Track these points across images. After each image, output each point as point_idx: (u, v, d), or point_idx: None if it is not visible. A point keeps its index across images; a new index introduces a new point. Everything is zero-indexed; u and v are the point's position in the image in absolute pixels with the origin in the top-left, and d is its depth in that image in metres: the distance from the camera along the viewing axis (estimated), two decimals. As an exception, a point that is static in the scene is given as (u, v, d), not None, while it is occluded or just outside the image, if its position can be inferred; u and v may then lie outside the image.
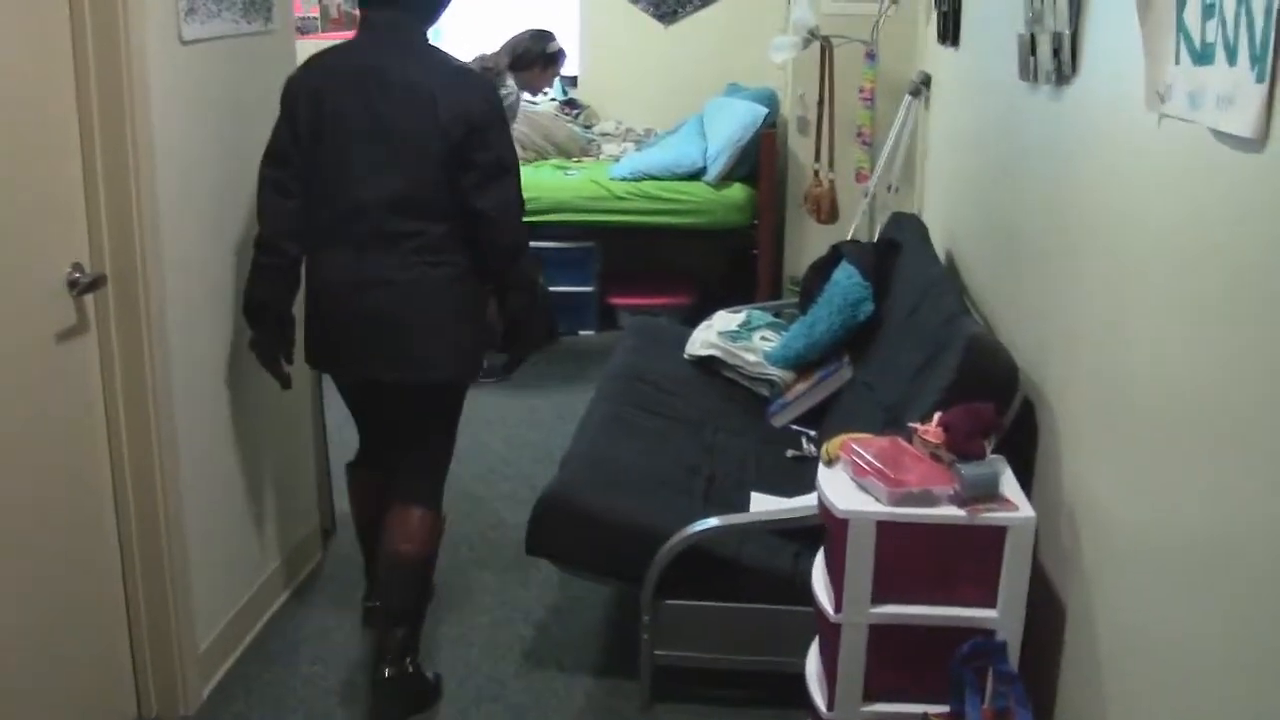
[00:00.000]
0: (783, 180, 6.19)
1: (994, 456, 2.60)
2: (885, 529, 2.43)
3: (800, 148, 6.02)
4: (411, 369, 3.01)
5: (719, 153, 6.04)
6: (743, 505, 3.26)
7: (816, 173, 5.78)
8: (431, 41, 3.11)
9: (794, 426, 3.98)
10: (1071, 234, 2.60)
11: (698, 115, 6.57)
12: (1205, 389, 1.81)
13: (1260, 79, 1.55)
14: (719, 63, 6.93)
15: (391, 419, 3.21)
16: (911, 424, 2.65)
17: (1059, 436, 2.65)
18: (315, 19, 7.30)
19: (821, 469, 2.66)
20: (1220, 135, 1.71)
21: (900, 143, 5.30)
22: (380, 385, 3.08)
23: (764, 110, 6.11)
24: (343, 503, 3.67)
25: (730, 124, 6.10)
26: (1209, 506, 1.79)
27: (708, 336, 4.36)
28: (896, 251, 4.22)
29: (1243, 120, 1.60)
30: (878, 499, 2.46)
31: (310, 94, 2.96)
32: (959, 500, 2.44)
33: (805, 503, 2.95)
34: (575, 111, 7.23)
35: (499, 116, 2.99)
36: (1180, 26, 1.86)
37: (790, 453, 3.77)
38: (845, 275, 4.13)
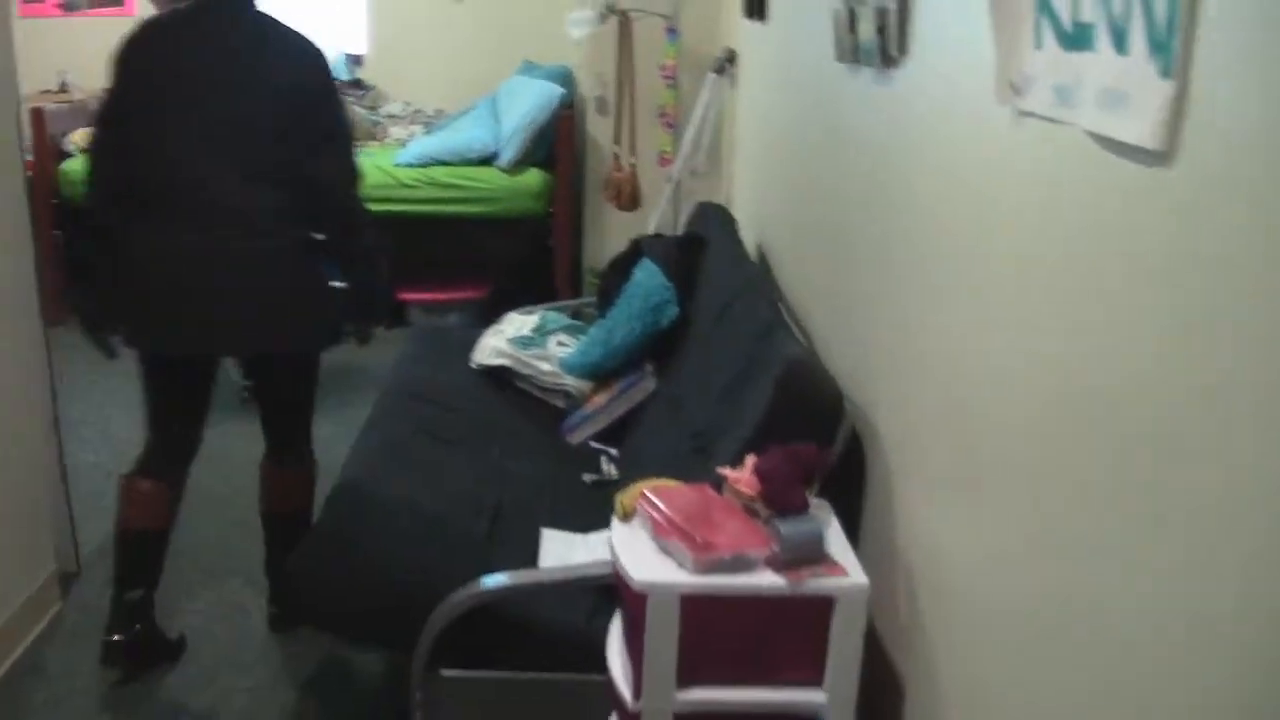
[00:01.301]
0: (581, 165, 5.78)
1: (817, 502, 2.23)
2: (691, 602, 2.03)
3: (599, 130, 5.61)
4: (255, 340, 3.03)
5: (512, 135, 5.61)
6: (533, 545, 2.84)
7: (617, 157, 5.40)
8: (260, 8, 2.98)
9: (593, 444, 3.57)
10: (905, 239, 2.23)
11: (491, 96, 6.12)
12: (1062, 425, 1.46)
13: (1165, 73, 1.17)
14: (513, 39, 6.48)
15: (202, 406, 3.19)
16: (721, 469, 2.25)
17: (892, 475, 2.29)
18: (81, -6, 6.72)
19: (615, 526, 2.24)
20: (1104, 141, 1.34)
21: (705, 124, 4.93)
22: (213, 360, 3.14)
23: (560, 90, 5.69)
24: (92, 533, 3.50)
25: (524, 105, 5.67)
26: (1068, 561, 1.45)
27: (497, 344, 3.92)
28: (702, 247, 3.84)
29: (1140, 126, 1.22)
30: (682, 565, 2.06)
31: (140, 60, 2.92)
32: (778, 564, 2.05)
33: (599, 552, 2.54)
34: (361, 92, 6.68)
35: (331, 84, 3.01)
36: (1042, 2, 1.49)
37: (588, 477, 3.36)
38: (646, 275, 3.73)
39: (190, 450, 3.20)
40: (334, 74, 2.98)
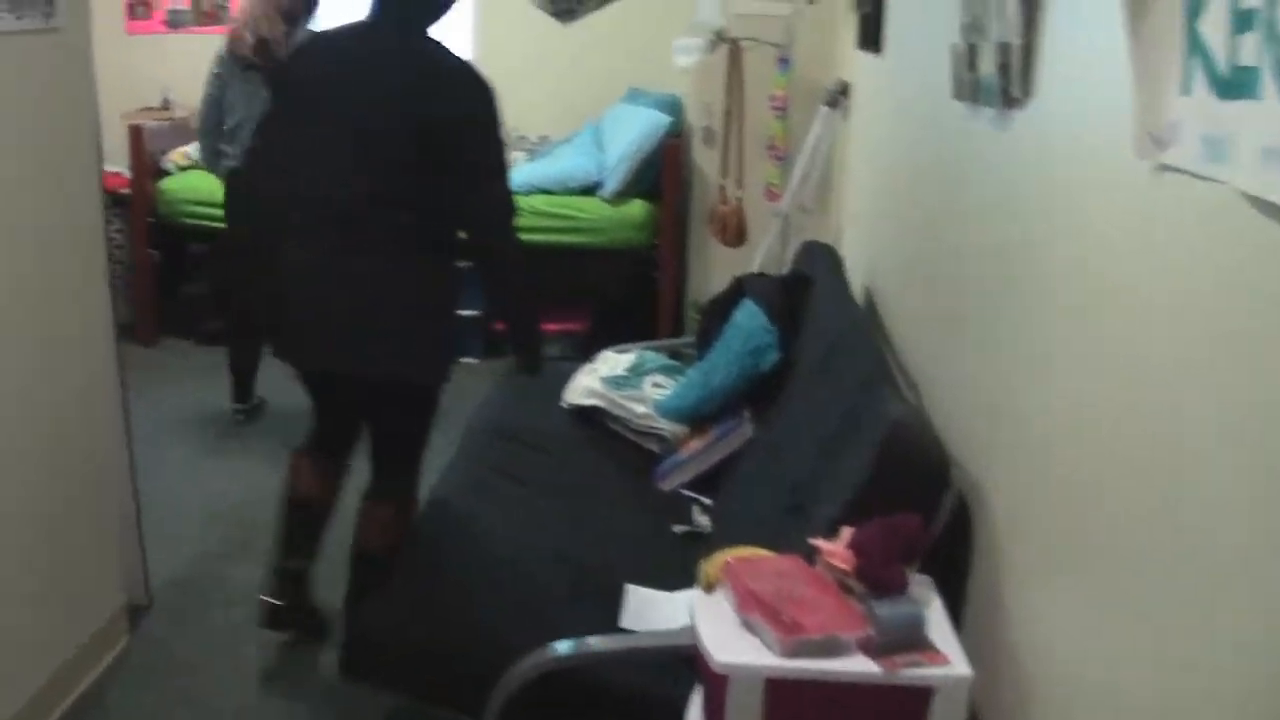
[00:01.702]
0: (686, 197, 5.62)
1: (918, 579, 2.05)
2: (777, 687, 1.86)
3: (706, 161, 5.46)
4: (365, 363, 2.94)
5: (617, 165, 5.48)
6: (615, 602, 2.69)
7: (723, 189, 5.23)
8: (431, 35, 2.95)
9: (685, 491, 3.41)
10: (1021, 294, 2.05)
11: (595, 123, 5.99)
12: (1201, 512, 1.27)
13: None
14: (620, 66, 6.33)
15: (351, 412, 3.18)
16: (815, 541, 2.07)
17: (1001, 551, 2.09)
18: (187, 11, 6.77)
19: (698, 596, 2.08)
20: (1265, 205, 1.15)
21: (816, 159, 4.75)
22: (342, 378, 3.03)
23: (667, 119, 5.55)
24: (164, 564, 3.45)
25: (630, 133, 5.54)
26: (1199, 668, 1.26)
27: (590, 383, 3.78)
28: (807, 288, 3.67)
29: (1313, 190, 1.04)
30: (768, 646, 1.89)
31: (299, 72, 2.98)
32: (872, 649, 1.87)
33: (685, 615, 2.38)
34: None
35: (492, 119, 2.91)
36: (1193, 41, 1.30)
37: (679, 528, 3.20)
38: (748, 316, 3.57)
39: (348, 443, 3.24)
40: (497, 110, 2.90)
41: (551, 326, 5.71)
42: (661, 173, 5.49)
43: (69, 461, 2.93)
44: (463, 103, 2.85)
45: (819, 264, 3.80)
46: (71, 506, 2.94)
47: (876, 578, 1.94)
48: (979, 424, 2.31)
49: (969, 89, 2.43)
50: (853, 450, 2.45)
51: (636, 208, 5.51)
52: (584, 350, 5.13)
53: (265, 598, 3.19)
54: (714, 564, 2.08)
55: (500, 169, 2.94)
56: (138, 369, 5.41)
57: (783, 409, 3.29)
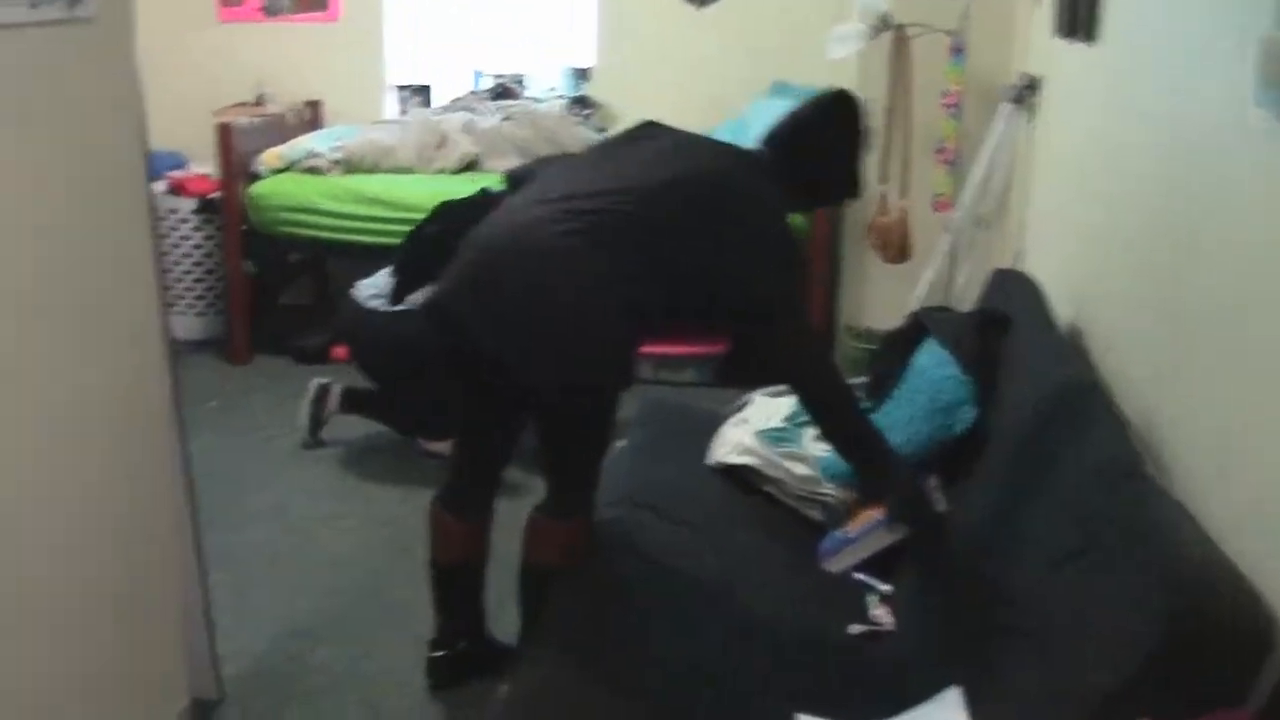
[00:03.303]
0: (838, 207, 5.00)
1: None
2: None
3: (864, 166, 4.83)
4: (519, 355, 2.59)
5: (763, 168, 4.88)
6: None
7: (884, 198, 4.62)
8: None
9: (857, 575, 2.81)
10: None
11: (736, 119, 5.39)
12: None
13: None
14: (764, 56, 5.71)
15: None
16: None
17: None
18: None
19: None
20: None
21: (996, 164, 4.11)
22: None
23: (820, 117, 4.93)
24: (238, 643, 3.08)
25: (776, 133, 4.94)
26: None
27: (742, 438, 3.19)
28: (1003, 330, 3.04)
29: None
30: None
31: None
32: None
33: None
34: (586, 111, 6.06)
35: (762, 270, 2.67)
36: None
37: (854, 629, 2.60)
38: (934, 362, 2.97)
39: (491, 478, 2.97)
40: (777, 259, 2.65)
41: (689, 349, 5.14)
42: (812, 179, 4.89)
43: (121, 548, 2.44)
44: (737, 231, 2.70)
45: (1016, 298, 3.18)
46: (120, 602, 2.45)
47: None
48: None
49: (1288, 97, 1.79)
50: (1109, 585, 1.86)
51: (784, 217, 4.90)
52: (723, 377, 4.56)
53: (431, 654, 3.04)
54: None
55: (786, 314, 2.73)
56: (227, 391, 5.08)
57: (982, 486, 2.68)
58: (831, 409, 2.71)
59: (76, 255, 2.25)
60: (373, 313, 4.20)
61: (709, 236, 2.60)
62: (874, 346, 4.72)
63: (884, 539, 2.80)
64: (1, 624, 2.08)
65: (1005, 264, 4.03)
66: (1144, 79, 2.73)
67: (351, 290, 4.36)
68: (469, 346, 2.66)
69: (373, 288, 4.31)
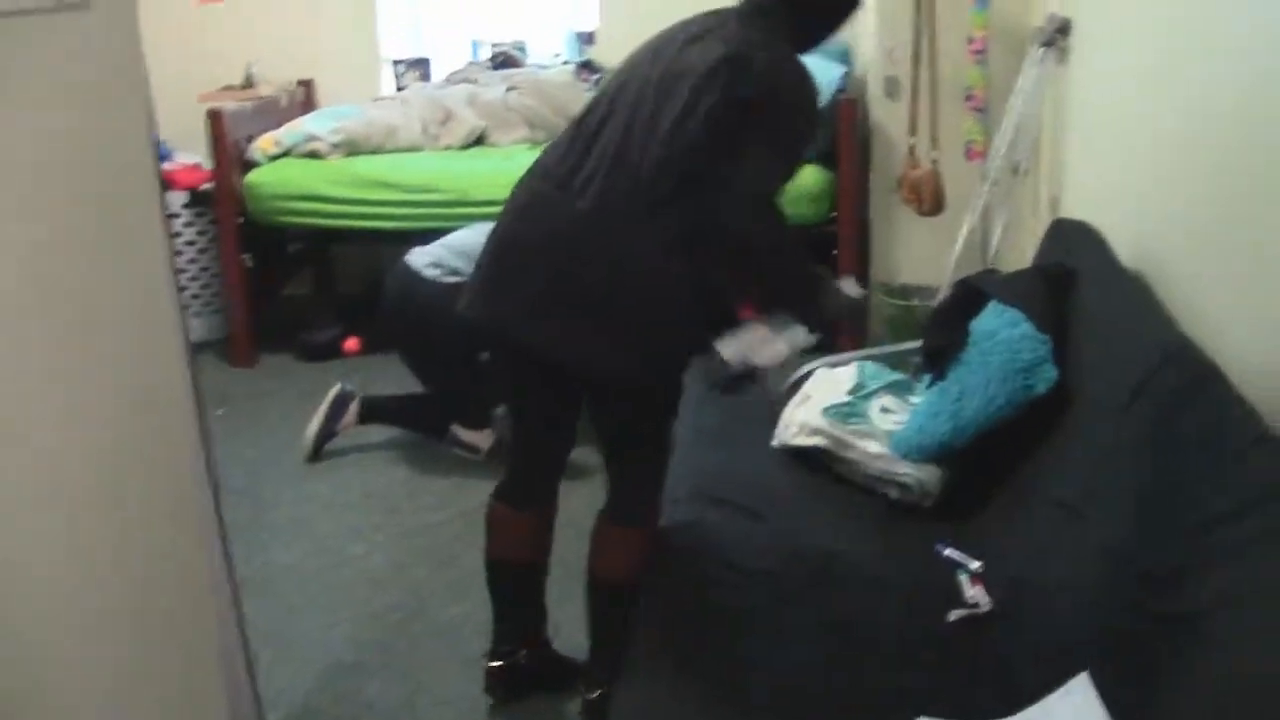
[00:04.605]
0: (866, 160, 4.87)
1: None
2: None
3: (889, 118, 4.70)
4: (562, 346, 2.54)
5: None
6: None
7: (913, 150, 4.49)
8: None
9: (945, 552, 2.71)
10: None
11: (750, 79, 5.26)
12: None
13: None
14: (774, 11, 5.55)
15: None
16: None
17: None
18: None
19: None
20: None
21: (1028, 112, 3.99)
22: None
23: (840, 69, 4.82)
24: (276, 694, 2.84)
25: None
26: None
27: (809, 417, 3.07)
28: (1070, 285, 2.93)
29: None
30: None
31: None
32: None
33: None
34: (594, 76, 5.90)
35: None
36: None
37: (955, 614, 2.50)
38: (1005, 323, 2.85)
39: (552, 468, 2.83)
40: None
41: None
42: (835, 135, 4.74)
43: (145, 598, 2.26)
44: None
45: (1080, 251, 3.06)
46: (150, 648, 2.24)
47: None
48: None
49: None
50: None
51: (809, 175, 4.73)
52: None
53: (488, 664, 2.89)
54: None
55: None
56: (234, 397, 4.81)
57: (1071, 455, 2.57)
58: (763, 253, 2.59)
59: (84, 254, 2.08)
60: (431, 282, 4.06)
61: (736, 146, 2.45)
62: (910, 303, 4.62)
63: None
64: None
65: (1039, 213, 3.92)
66: (1205, 19, 2.61)
67: (406, 257, 4.21)
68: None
69: (429, 255, 4.16)
